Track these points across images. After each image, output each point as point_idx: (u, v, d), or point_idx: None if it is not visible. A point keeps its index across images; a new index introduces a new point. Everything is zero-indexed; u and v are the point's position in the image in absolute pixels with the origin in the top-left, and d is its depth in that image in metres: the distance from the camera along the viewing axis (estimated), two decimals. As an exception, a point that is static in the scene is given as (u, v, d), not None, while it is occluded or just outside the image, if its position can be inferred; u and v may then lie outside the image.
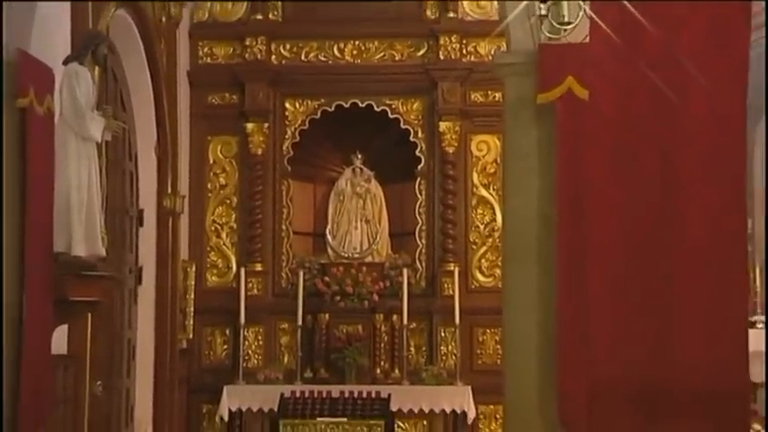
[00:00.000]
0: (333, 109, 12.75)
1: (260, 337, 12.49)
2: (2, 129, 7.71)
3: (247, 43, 12.73)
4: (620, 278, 5.18)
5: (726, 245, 4.81)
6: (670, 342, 4.92)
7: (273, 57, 12.80)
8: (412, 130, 12.72)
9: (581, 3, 6.62)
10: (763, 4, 7.70)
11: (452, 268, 12.32)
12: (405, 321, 12.14)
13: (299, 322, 12.16)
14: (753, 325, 10.76)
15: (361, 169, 12.84)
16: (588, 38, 5.67)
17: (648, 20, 4.81)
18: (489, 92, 11.82)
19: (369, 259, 12.60)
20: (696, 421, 4.88)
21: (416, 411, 11.81)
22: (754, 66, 7.50)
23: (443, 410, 11.82)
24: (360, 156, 12.80)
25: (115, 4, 10.25)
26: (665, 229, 4.91)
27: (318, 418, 11.01)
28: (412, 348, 12.30)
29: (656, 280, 4.94)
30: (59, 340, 8.61)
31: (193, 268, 12.49)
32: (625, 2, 4.90)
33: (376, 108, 12.72)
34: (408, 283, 12.18)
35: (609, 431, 5.61)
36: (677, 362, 4.91)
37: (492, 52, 11.23)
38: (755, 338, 7.22)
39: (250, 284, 12.43)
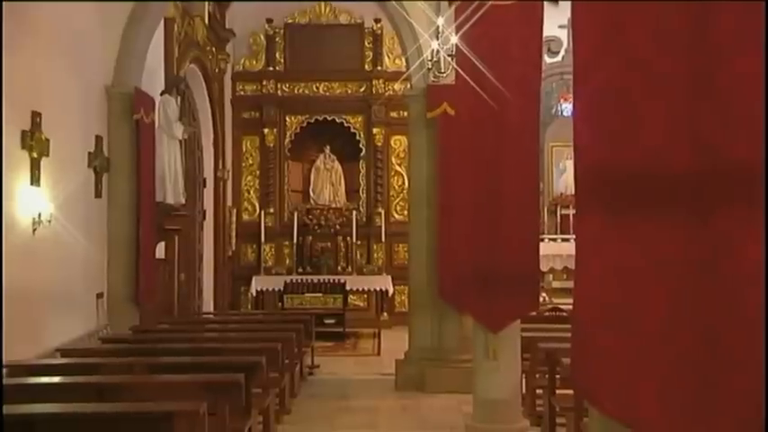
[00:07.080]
0: (313, 121, 12.66)
1: (273, 250, 12.46)
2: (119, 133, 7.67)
3: (264, 83, 12.58)
4: (470, 213, 5.26)
5: (528, 194, 4.92)
6: (498, 247, 5.01)
7: (279, 91, 12.65)
8: (357, 133, 12.69)
9: (450, 60, 6.69)
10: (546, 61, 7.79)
11: (380, 211, 12.39)
12: (354, 240, 12.21)
13: (295, 241, 12.19)
14: (542, 240, 11.02)
15: (329, 155, 12.80)
16: (455, 80, 5.74)
17: (486, 71, 4.88)
18: (401, 111, 11.81)
19: (333, 206, 12.58)
20: (511, 291, 5.00)
21: (360, 290, 11.91)
22: (543, 97, 7.55)
23: (375, 289, 11.94)
24: (328, 147, 12.74)
25: (190, 59, 10.14)
26: (496, 184, 4.99)
27: (306, 294, 11.06)
28: (358, 255, 12.35)
29: (490, 212, 5.03)
30: (160, 251, 8.61)
31: (235, 211, 12.42)
32: (475, 62, 4.97)
33: (337, 121, 12.66)
34: (356, 219, 12.24)
35: (464, 299, 5.74)
36: (501, 258, 5.01)
37: (402, 89, 11.26)
38: (543, 247, 7.40)
39: (267, 220, 12.39)
